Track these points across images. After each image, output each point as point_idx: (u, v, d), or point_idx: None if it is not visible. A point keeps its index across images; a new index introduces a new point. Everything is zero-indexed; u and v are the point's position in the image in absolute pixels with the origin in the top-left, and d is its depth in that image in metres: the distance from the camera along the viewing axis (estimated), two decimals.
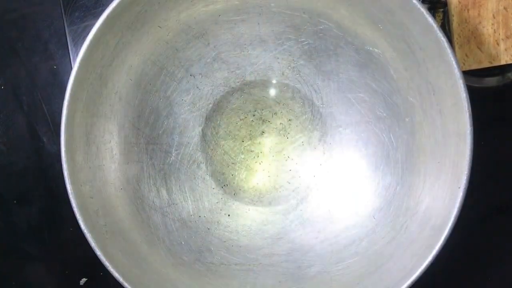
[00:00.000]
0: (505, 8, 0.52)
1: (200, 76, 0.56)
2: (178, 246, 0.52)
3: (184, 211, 0.55)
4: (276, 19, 0.52)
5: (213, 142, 0.58)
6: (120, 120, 0.51)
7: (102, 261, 0.45)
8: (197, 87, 0.56)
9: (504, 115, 0.59)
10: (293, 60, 0.55)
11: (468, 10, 0.53)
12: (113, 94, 0.50)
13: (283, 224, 0.56)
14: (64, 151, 0.46)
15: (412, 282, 0.43)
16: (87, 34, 0.45)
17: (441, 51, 0.43)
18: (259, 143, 0.58)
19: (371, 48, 0.50)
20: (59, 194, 0.62)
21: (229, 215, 0.56)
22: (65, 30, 0.61)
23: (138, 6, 0.47)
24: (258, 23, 0.53)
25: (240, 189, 0.57)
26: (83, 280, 0.63)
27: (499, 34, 0.53)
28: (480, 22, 0.53)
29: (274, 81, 0.57)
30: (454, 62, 0.42)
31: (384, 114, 0.52)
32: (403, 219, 0.49)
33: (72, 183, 0.46)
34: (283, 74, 0.56)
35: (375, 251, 0.49)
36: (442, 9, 0.56)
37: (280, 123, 0.58)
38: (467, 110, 0.43)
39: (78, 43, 0.61)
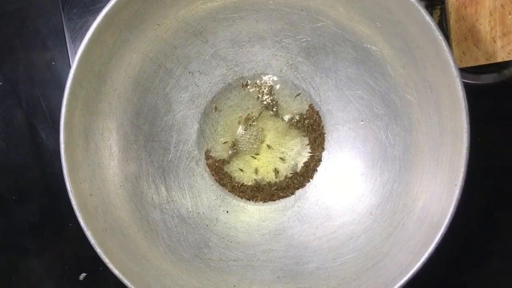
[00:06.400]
0: (502, 6, 0.52)
1: (199, 73, 0.56)
2: (177, 242, 0.53)
3: (183, 207, 0.55)
4: (274, 17, 0.52)
5: (211, 139, 0.58)
6: (119, 117, 0.52)
7: (101, 258, 0.46)
8: (196, 84, 0.56)
9: (501, 112, 0.60)
10: (291, 57, 0.55)
11: (465, 7, 0.53)
12: (111, 91, 0.50)
13: (281, 220, 0.56)
14: (64, 149, 0.46)
15: (408, 279, 0.44)
16: (85, 30, 0.45)
17: (438, 49, 0.43)
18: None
19: (368, 46, 0.50)
20: (58, 190, 0.63)
21: (227, 212, 0.57)
22: (63, 27, 0.61)
23: (137, 4, 0.47)
24: (256, 21, 0.53)
25: (238, 186, 0.58)
26: (82, 275, 0.63)
27: (496, 31, 0.53)
28: (477, 20, 0.53)
29: (272, 78, 0.57)
30: (451, 61, 0.43)
31: (382, 112, 0.52)
32: (400, 216, 0.49)
33: (72, 181, 0.46)
34: (281, 71, 0.56)
35: (372, 248, 0.50)
36: (439, 7, 0.56)
37: (278, 121, 0.58)
38: (464, 108, 0.43)
39: (76, 40, 0.61)
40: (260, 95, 0.57)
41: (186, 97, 0.56)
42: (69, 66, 0.46)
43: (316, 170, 0.57)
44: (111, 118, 0.51)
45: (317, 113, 0.56)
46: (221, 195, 0.57)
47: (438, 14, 0.56)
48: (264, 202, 0.57)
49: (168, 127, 0.56)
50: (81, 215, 0.46)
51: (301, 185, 0.57)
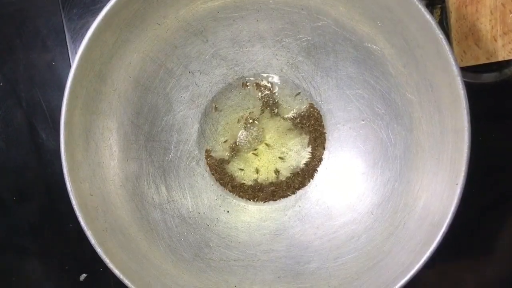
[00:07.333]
0: (502, 4, 0.52)
1: (199, 73, 0.56)
2: (177, 242, 0.53)
3: (183, 207, 0.55)
4: (274, 16, 0.52)
5: (212, 138, 0.58)
6: (119, 117, 0.51)
7: (102, 258, 0.46)
8: (196, 84, 0.56)
9: (502, 111, 0.60)
10: (291, 56, 0.55)
11: (466, 6, 0.53)
12: (112, 91, 0.50)
13: (282, 220, 0.56)
14: (64, 148, 0.46)
15: (410, 278, 0.44)
16: (86, 31, 0.45)
17: (439, 48, 0.43)
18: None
19: (369, 45, 0.50)
20: (58, 190, 0.62)
21: (228, 212, 0.57)
22: (63, 27, 0.61)
23: (137, 3, 0.47)
24: (257, 20, 0.53)
25: (239, 186, 0.58)
26: (83, 276, 0.63)
27: (497, 30, 0.53)
28: (478, 19, 0.53)
29: (272, 78, 0.57)
30: (452, 60, 0.43)
31: (382, 111, 0.52)
32: (401, 215, 0.49)
33: (72, 180, 0.46)
34: (282, 70, 0.56)
35: (373, 247, 0.50)
36: (440, 6, 0.56)
37: (279, 120, 0.58)
38: (464, 107, 0.43)
39: (76, 40, 0.61)
40: (260, 95, 0.57)
41: (187, 97, 0.56)
42: (69, 67, 0.46)
43: (317, 170, 0.57)
44: (112, 117, 0.51)
45: (318, 112, 0.56)
46: (222, 195, 0.57)
47: (439, 13, 0.56)
48: (264, 202, 0.57)
49: (168, 126, 0.56)
50: (81, 215, 0.46)
51: (302, 184, 0.57)
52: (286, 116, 0.58)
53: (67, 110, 0.46)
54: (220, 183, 0.58)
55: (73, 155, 0.47)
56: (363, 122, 0.54)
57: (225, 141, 0.58)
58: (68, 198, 0.46)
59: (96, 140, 0.50)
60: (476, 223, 0.59)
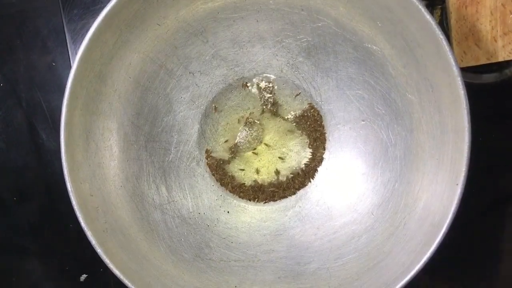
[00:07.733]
0: (502, 5, 0.52)
1: (199, 74, 0.56)
2: (177, 243, 0.53)
3: (183, 208, 0.55)
4: (274, 16, 0.52)
5: (212, 139, 0.58)
6: (119, 118, 0.52)
7: (102, 258, 0.46)
8: (196, 85, 0.56)
9: (502, 111, 0.60)
10: (291, 57, 0.55)
11: (466, 7, 0.53)
12: (112, 92, 0.50)
13: (282, 220, 0.56)
14: (64, 149, 0.46)
15: (410, 278, 0.44)
16: (86, 31, 0.45)
17: (439, 48, 0.43)
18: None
19: (369, 45, 0.50)
20: (58, 190, 0.63)
21: (228, 212, 0.57)
22: (63, 27, 0.61)
23: (137, 3, 0.47)
24: (257, 21, 0.53)
25: (239, 186, 0.58)
26: (83, 276, 0.63)
27: (497, 31, 0.53)
28: (478, 19, 0.53)
29: (273, 78, 0.57)
30: (452, 60, 0.43)
31: (383, 111, 0.52)
32: (401, 215, 0.49)
33: (72, 181, 0.46)
34: (282, 71, 0.56)
35: (373, 248, 0.50)
36: (440, 6, 0.56)
37: (279, 120, 0.58)
38: (465, 108, 0.43)
39: (76, 40, 0.61)
40: (260, 95, 0.57)
41: (187, 98, 0.56)
42: (70, 67, 0.46)
43: (317, 170, 0.57)
44: (112, 118, 0.51)
45: (318, 113, 0.56)
46: (222, 196, 0.57)
47: (439, 13, 0.56)
48: (265, 202, 0.57)
49: (168, 127, 0.56)
50: (81, 215, 0.46)
51: (302, 185, 0.57)
52: (286, 116, 0.58)
53: (67, 111, 0.46)
54: (221, 184, 0.58)
55: (73, 155, 0.47)
56: (363, 122, 0.54)
57: (225, 142, 0.58)
58: (68, 198, 0.46)
59: (96, 141, 0.50)
60: (476, 223, 0.59)
